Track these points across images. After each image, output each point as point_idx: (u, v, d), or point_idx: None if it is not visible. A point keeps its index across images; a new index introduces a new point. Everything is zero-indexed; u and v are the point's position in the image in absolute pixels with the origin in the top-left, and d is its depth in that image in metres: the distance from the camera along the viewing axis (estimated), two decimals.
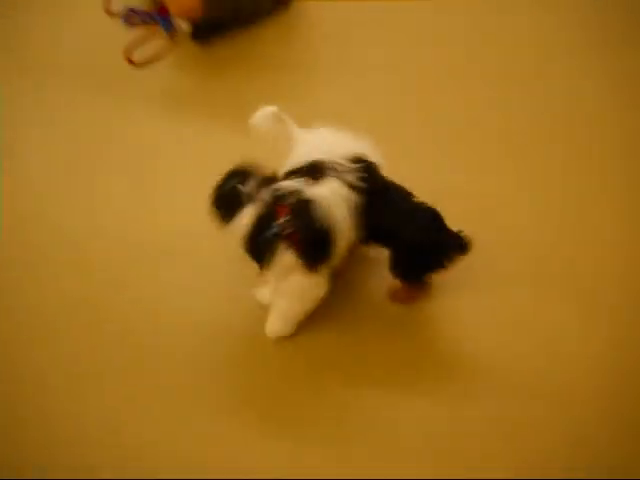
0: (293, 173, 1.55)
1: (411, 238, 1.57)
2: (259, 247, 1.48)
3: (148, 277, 1.82)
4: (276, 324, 1.64)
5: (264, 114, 1.69)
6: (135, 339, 1.69)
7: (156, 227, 1.94)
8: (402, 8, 2.56)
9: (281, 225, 1.45)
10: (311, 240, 1.48)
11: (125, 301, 1.78)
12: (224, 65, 2.46)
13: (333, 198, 1.51)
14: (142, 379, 1.61)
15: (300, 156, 1.61)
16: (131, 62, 2.47)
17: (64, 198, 2.04)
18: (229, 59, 2.47)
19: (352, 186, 1.55)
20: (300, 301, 1.59)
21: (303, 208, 1.47)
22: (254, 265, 1.53)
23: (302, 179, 1.51)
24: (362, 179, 1.56)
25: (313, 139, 1.67)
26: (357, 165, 1.58)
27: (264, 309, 1.65)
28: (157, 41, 2.53)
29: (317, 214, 1.47)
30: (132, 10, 2.66)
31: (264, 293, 1.68)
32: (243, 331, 1.69)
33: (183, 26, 2.51)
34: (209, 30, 2.49)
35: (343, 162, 1.57)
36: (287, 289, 1.57)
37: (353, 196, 1.55)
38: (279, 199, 1.48)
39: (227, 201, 1.52)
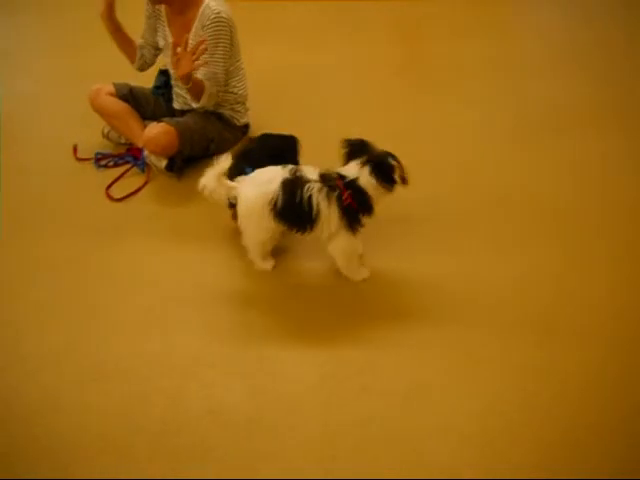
0: None
1: None
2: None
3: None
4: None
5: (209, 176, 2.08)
6: None
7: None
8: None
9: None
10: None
11: None
12: (197, 193, 2.65)
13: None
14: None
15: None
16: (111, 198, 2.64)
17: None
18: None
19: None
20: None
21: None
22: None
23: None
24: None
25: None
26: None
27: None
28: (133, 177, 2.74)
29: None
30: (102, 154, 2.87)
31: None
32: None
33: (157, 162, 2.73)
34: (182, 163, 2.73)
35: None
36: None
37: None
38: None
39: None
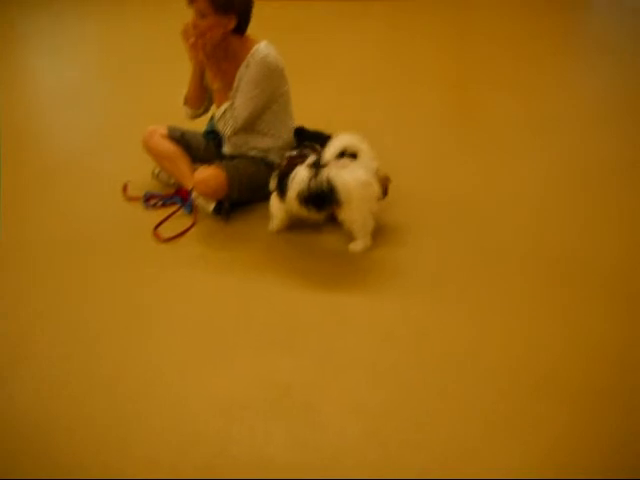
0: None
1: None
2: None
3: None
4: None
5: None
6: None
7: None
8: None
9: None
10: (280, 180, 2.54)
11: None
12: (243, 237, 2.69)
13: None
14: None
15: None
16: (159, 238, 2.67)
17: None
18: (247, 232, 2.71)
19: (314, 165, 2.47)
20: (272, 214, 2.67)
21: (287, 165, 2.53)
22: None
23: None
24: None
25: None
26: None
27: None
28: (180, 219, 2.78)
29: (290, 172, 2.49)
30: (151, 194, 2.93)
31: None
32: None
33: (206, 204, 2.77)
34: (230, 207, 2.76)
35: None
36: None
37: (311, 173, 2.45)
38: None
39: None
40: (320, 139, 2.61)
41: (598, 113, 3.78)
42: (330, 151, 2.46)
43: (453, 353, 2.09)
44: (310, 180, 2.44)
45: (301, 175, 2.47)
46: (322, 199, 2.45)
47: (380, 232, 2.64)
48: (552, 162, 3.22)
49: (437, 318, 2.24)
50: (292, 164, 2.52)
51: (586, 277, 2.41)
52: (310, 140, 2.68)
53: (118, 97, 4.13)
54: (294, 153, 2.58)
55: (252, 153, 2.86)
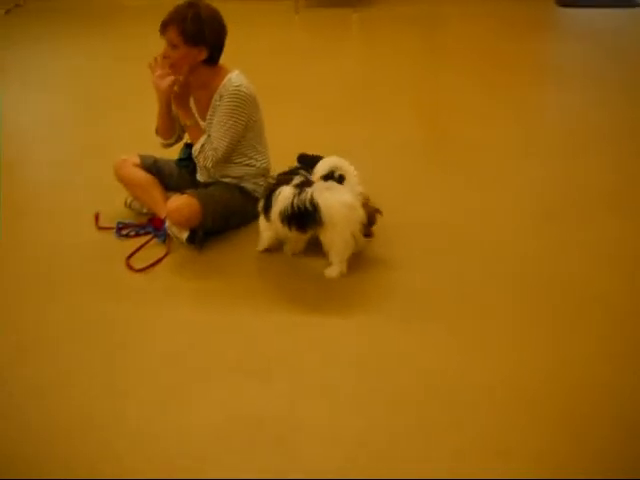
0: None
1: None
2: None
3: None
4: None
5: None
6: None
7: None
8: None
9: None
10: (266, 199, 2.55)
11: None
12: (217, 266, 2.67)
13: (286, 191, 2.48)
14: None
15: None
16: (131, 268, 2.64)
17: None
18: (221, 260, 2.69)
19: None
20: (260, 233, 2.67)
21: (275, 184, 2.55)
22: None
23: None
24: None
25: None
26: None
27: None
28: (154, 248, 2.74)
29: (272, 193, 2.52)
30: (123, 224, 2.89)
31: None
32: None
33: (179, 233, 2.75)
34: (204, 235, 2.73)
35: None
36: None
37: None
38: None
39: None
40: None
41: (581, 136, 3.77)
42: (318, 171, 2.45)
43: (434, 376, 2.07)
44: (294, 198, 2.43)
45: (285, 193, 2.46)
46: (305, 218, 2.43)
47: (361, 257, 2.62)
48: (536, 186, 3.21)
49: (417, 343, 2.22)
50: (280, 183, 2.52)
51: (574, 300, 2.41)
52: (311, 165, 2.60)
53: (90, 127, 4.10)
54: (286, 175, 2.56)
55: (226, 180, 2.85)
